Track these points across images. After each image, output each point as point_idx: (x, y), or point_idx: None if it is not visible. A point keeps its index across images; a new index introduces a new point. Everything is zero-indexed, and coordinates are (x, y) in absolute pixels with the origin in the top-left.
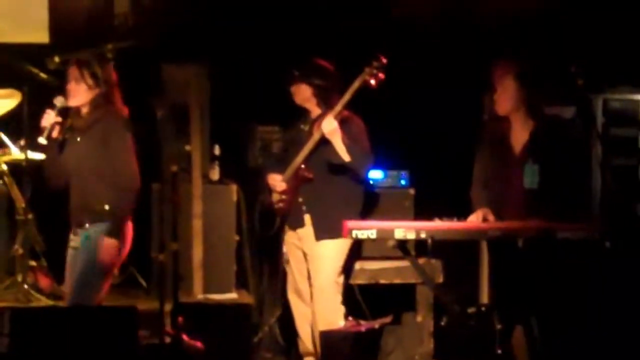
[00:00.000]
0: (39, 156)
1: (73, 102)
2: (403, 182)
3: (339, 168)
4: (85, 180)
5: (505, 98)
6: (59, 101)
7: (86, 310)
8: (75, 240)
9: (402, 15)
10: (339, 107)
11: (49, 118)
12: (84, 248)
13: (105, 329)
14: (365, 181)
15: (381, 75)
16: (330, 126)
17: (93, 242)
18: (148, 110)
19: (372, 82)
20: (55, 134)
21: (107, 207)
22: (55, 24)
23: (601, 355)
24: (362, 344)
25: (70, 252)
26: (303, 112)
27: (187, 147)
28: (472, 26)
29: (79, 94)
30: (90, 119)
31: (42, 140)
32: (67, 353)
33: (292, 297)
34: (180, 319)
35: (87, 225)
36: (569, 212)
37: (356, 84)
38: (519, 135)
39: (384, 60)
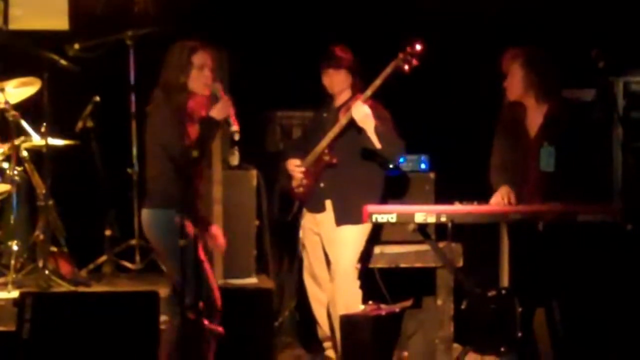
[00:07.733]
0: (59, 142)
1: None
2: (423, 165)
3: (368, 154)
4: None
5: (514, 84)
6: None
7: (107, 295)
8: None
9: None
10: (369, 92)
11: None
12: None
13: (127, 314)
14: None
15: (415, 62)
16: (362, 112)
17: None
18: None
19: (406, 67)
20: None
21: None
22: (75, 11)
23: (622, 339)
24: (382, 328)
25: None
26: (324, 99)
27: None
28: (493, 9)
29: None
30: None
31: (235, 128)
32: (88, 338)
33: (308, 281)
34: (201, 304)
35: None
36: (586, 195)
37: (388, 70)
38: (534, 118)
39: (419, 47)
